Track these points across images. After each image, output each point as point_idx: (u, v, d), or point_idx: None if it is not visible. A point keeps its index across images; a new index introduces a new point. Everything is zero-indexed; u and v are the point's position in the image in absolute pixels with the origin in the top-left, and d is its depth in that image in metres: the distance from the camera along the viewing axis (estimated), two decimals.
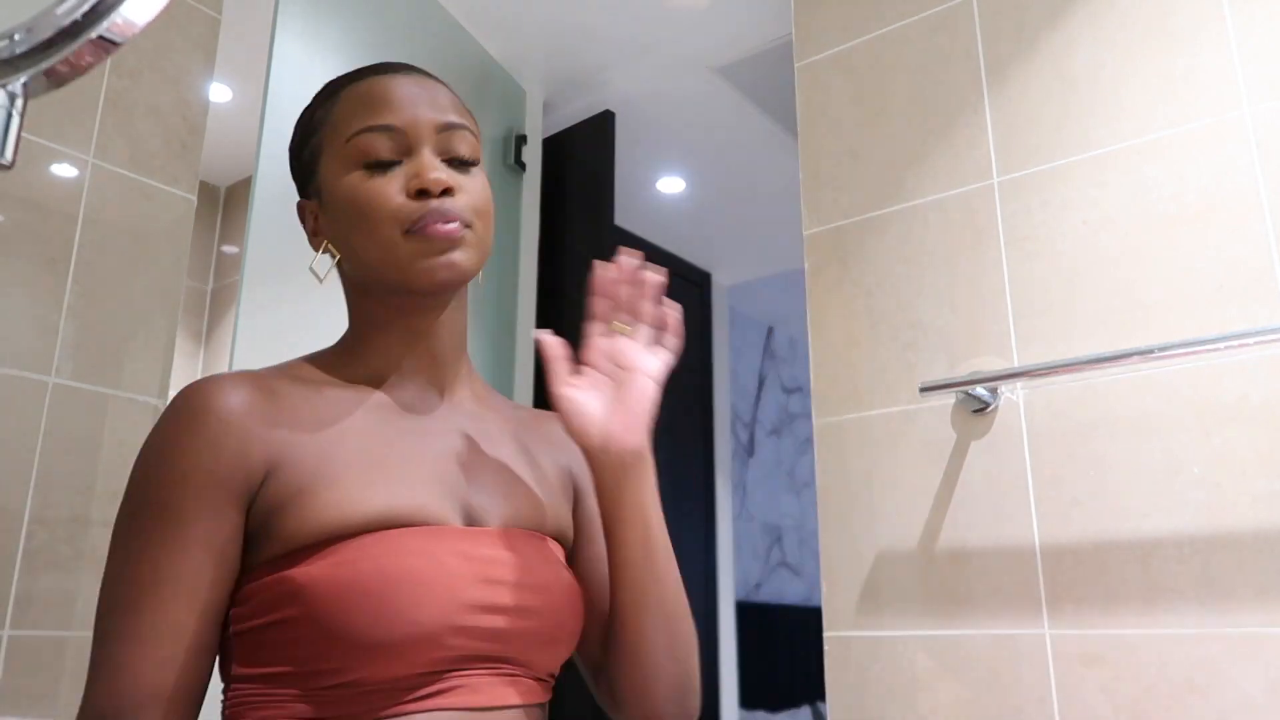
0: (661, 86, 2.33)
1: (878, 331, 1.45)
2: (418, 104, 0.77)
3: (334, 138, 0.77)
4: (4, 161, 0.38)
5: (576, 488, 0.88)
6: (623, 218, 2.92)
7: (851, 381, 1.46)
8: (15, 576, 1.15)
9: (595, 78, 2.31)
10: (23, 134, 0.37)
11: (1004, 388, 1.32)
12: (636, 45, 2.18)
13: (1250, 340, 1.09)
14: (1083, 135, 1.33)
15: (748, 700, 3.28)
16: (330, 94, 0.80)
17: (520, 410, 0.91)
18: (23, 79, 0.37)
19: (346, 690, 0.66)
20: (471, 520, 0.75)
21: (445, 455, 0.77)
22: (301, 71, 1.62)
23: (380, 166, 0.75)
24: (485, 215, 0.77)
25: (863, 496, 1.41)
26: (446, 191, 0.74)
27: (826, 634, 1.39)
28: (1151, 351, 1.15)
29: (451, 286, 0.76)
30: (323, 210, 0.79)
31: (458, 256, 0.74)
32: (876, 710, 1.32)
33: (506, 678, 0.71)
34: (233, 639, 0.70)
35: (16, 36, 0.37)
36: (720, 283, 3.55)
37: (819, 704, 3.66)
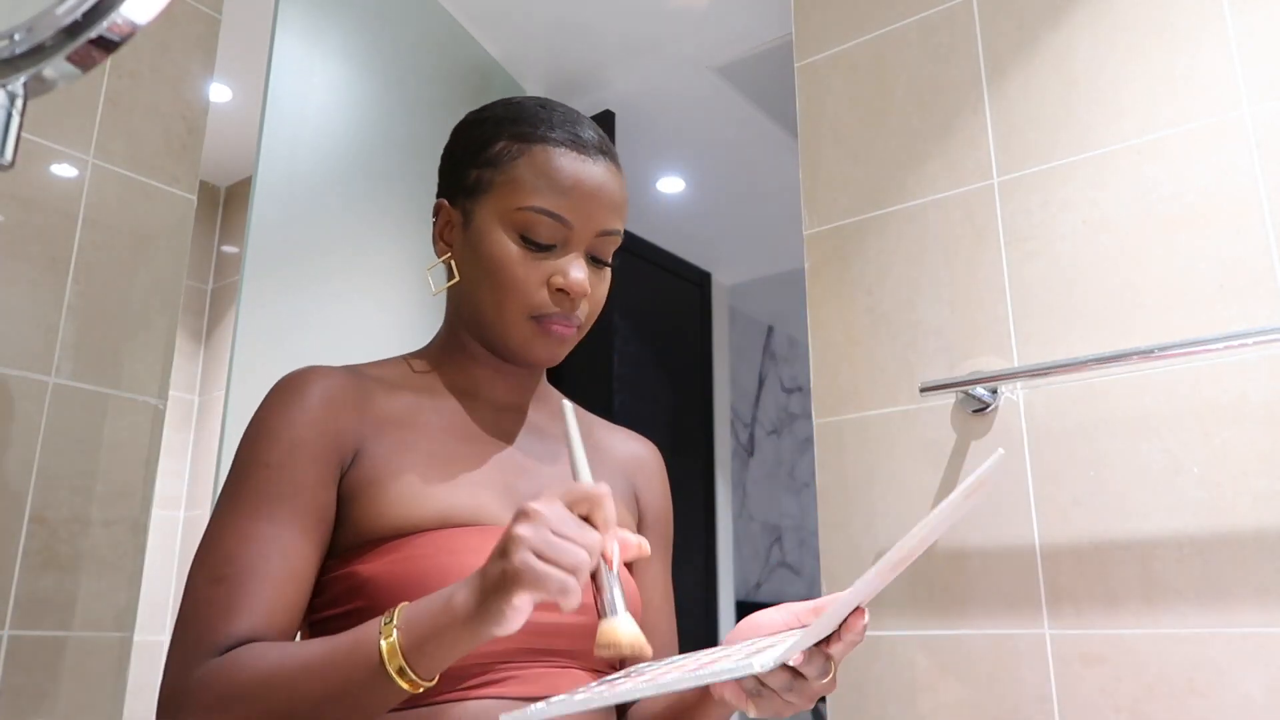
0: (661, 86, 2.33)
1: (878, 331, 1.45)
2: (596, 204, 0.79)
3: (507, 190, 0.78)
4: (4, 161, 0.38)
5: (640, 507, 0.93)
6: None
7: (851, 381, 1.46)
8: (15, 576, 1.15)
9: (595, 78, 2.31)
10: (23, 134, 0.37)
11: (1004, 388, 1.32)
12: (636, 45, 2.18)
13: (1250, 340, 1.09)
14: (1083, 135, 1.33)
15: None
16: (523, 135, 0.80)
17: (592, 420, 0.94)
18: (23, 79, 0.37)
19: None
20: None
21: (508, 462, 0.81)
22: (301, 71, 1.62)
23: (536, 247, 0.78)
24: (596, 313, 0.83)
25: (863, 496, 1.41)
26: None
27: None
28: (1151, 351, 1.15)
29: (543, 368, 0.83)
30: (464, 236, 0.81)
31: (560, 351, 0.81)
32: (876, 710, 1.32)
33: (559, 669, 0.74)
34: (306, 628, 0.74)
35: (16, 36, 0.37)
36: (720, 283, 3.55)
37: (819, 704, 3.66)
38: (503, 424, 0.84)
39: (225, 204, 2.53)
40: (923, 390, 1.31)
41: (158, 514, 1.35)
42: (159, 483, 1.33)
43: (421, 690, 0.61)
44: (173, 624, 0.70)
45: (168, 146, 1.40)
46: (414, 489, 0.74)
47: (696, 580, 3.14)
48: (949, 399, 1.36)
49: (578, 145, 0.80)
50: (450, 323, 0.86)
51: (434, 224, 0.85)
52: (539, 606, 0.64)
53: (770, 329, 4.09)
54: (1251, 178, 1.19)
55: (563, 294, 0.78)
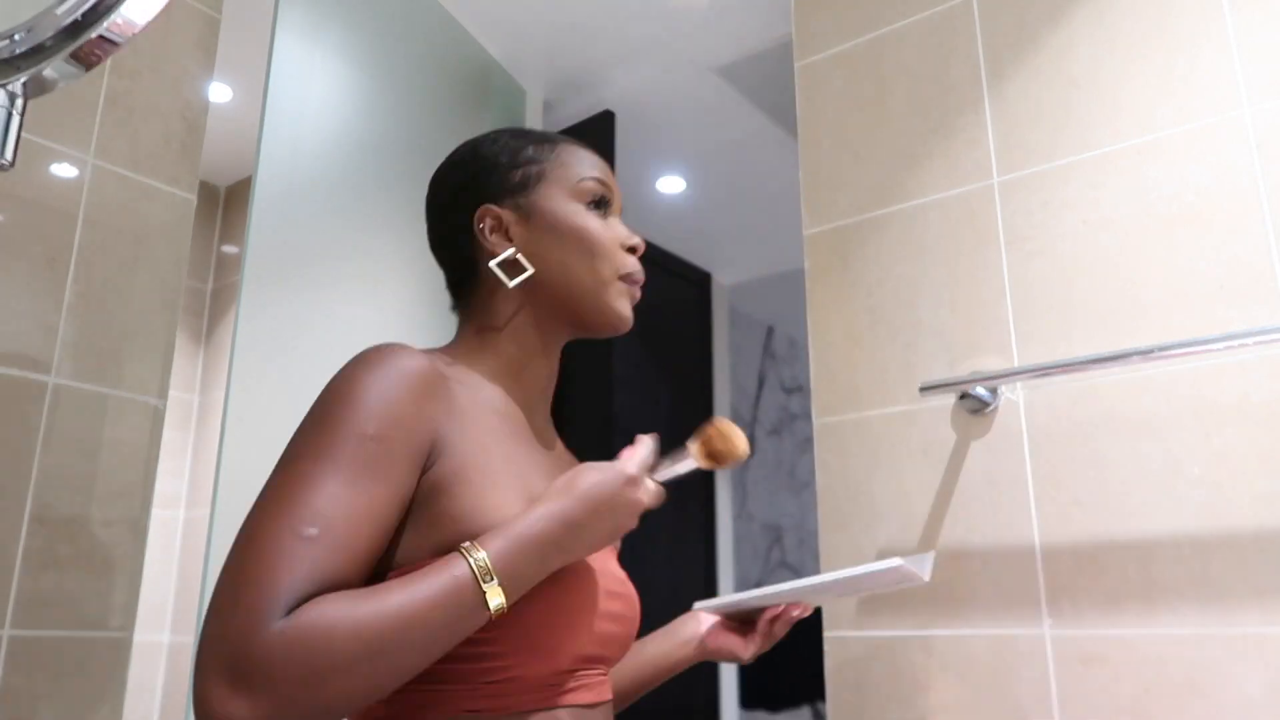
0: (661, 86, 2.33)
1: (878, 331, 1.45)
2: (614, 181, 0.92)
3: (562, 171, 0.87)
4: (4, 161, 0.38)
5: None
6: (623, 217, 2.92)
7: (851, 381, 1.46)
8: (15, 576, 1.15)
9: (595, 78, 2.30)
10: (23, 134, 0.37)
11: (1004, 388, 1.32)
12: (636, 45, 2.18)
13: (1250, 340, 1.09)
14: (1083, 135, 1.33)
15: (748, 700, 3.28)
16: (544, 139, 0.90)
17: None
18: (23, 79, 0.37)
19: (507, 685, 0.71)
20: None
21: (546, 465, 0.84)
22: (301, 71, 1.62)
23: (600, 209, 0.87)
24: None
25: (863, 496, 1.41)
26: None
27: (826, 634, 1.40)
28: (1151, 351, 1.15)
29: (622, 332, 0.88)
30: (530, 225, 0.85)
31: (632, 313, 0.87)
32: (876, 710, 1.32)
33: (602, 677, 0.80)
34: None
35: (16, 36, 0.37)
36: (720, 283, 3.55)
37: (819, 704, 3.66)
38: (538, 428, 0.87)
39: (225, 204, 2.53)
40: (923, 390, 1.31)
41: (158, 514, 1.35)
42: (159, 483, 1.33)
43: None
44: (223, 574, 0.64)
45: (168, 146, 1.40)
46: (508, 497, 0.73)
47: (696, 579, 3.13)
48: (949, 399, 1.36)
49: (582, 144, 0.92)
50: (499, 319, 0.85)
51: (480, 231, 0.85)
52: (605, 619, 0.77)
53: (770, 329, 4.09)
54: (1251, 178, 1.19)
55: (633, 251, 0.88)
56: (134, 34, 0.36)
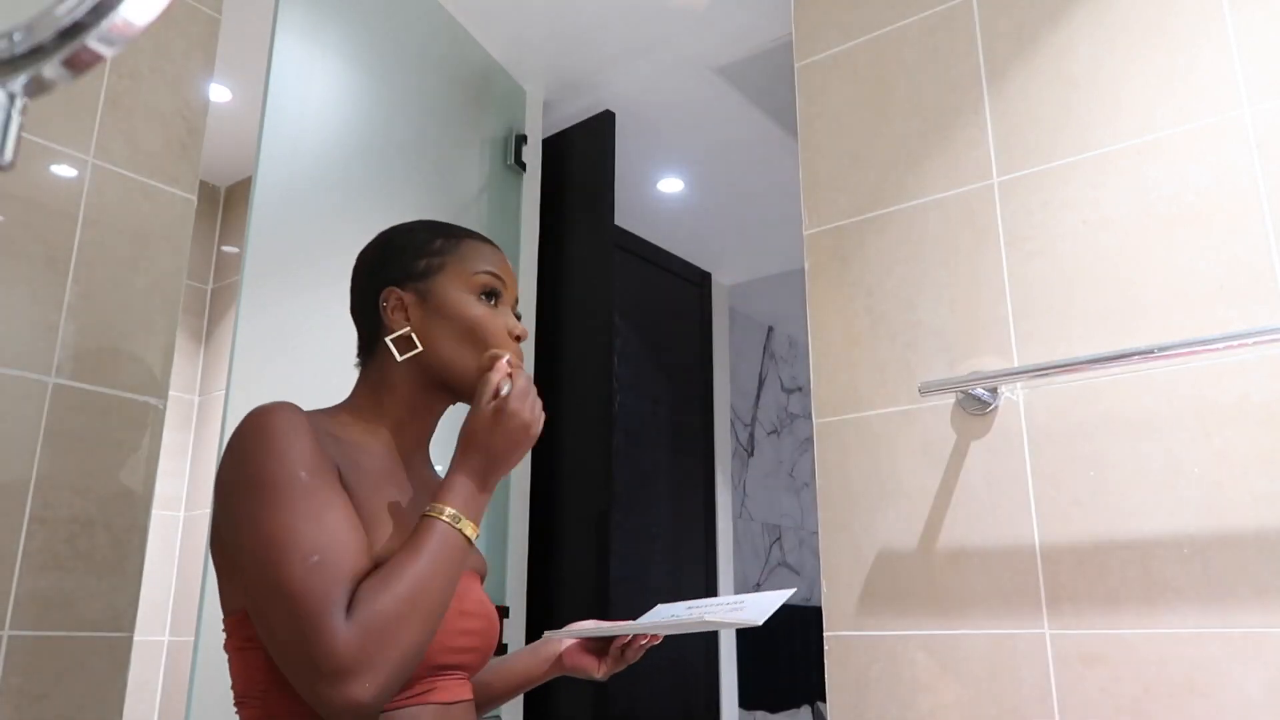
0: (661, 86, 2.33)
1: (878, 331, 1.45)
2: (511, 273, 1.03)
3: (460, 264, 0.98)
4: (4, 161, 0.38)
5: None
6: (623, 218, 2.92)
7: (851, 381, 1.46)
8: (15, 576, 1.15)
9: (595, 78, 2.30)
10: (23, 134, 0.37)
11: (1004, 388, 1.32)
12: (636, 45, 2.18)
13: (1250, 340, 1.09)
14: (1083, 135, 1.33)
15: (748, 700, 3.28)
16: (452, 234, 1.02)
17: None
18: (23, 79, 0.37)
19: None
20: None
21: (419, 502, 0.96)
22: (301, 71, 1.62)
23: (491, 300, 0.98)
24: None
25: (863, 496, 1.41)
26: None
27: (826, 634, 1.40)
28: (1151, 351, 1.15)
29: None
30: (425, 308, 0.97)
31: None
32: (876, 710, 1.32)
33: (459, 680, 0.92)
34: (242, 648, 0.84)
35: (16, 36, 0.37)
36: (720, 283, 3.55)
37: (819, 704, 3.66)
38: (417, 473, 0.99)
39: (225, 204, 2.53)
40: (922, 390, 1.31)
41: (158, 514, 1.35)
42: (159, 483, 1.33)
43: None
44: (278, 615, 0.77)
45: (168, 146, 1.40)
46: (380, 530, 0.86)
47: (697, 579, 3.14)
48: (949, 399, 1.36)
49: (486, 239, 1.04)
50: (387, 382, 0.97)
51: (383, 309, 0.97)
52: (461, 635, 0.90)
53: (770, 329, 4.09)
54: (1251, 178, 1.19)
55: (517, 340, 0.98)
56: (134, 35, 0.36)
